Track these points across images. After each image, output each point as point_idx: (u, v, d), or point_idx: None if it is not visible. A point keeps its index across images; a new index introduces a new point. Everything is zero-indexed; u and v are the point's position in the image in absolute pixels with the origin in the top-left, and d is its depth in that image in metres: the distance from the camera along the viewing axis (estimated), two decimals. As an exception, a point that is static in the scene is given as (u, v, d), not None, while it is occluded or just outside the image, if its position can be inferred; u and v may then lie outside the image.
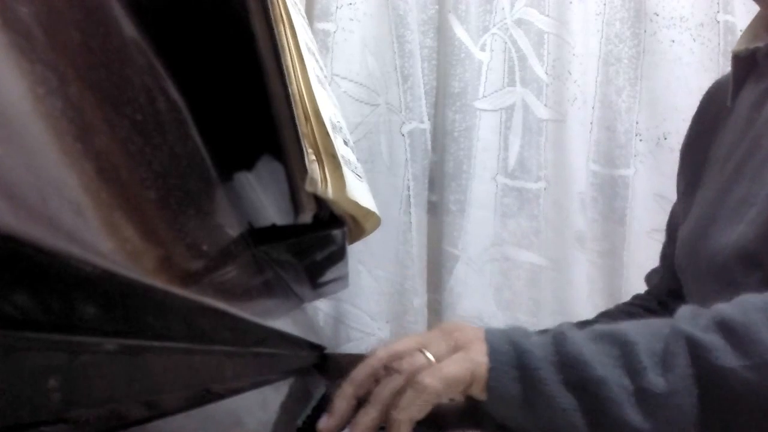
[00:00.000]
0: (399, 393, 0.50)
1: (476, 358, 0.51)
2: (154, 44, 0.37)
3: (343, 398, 0.52)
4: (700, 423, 0.48)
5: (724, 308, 0.51)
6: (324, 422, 0.52)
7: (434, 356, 0.52)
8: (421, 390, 0.49)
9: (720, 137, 0.78)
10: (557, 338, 0.52)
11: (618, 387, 0.49)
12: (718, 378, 0.48)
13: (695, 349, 0.48)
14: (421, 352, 0.52)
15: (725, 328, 0.49)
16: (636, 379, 0.49)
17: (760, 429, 0.48)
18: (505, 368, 0.51)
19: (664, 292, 0.92)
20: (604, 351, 0.50)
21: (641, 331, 0.51)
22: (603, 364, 0.50)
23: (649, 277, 0.99)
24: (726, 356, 0.47)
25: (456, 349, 0.53)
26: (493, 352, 0.52)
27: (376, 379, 0.53)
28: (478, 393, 0.52)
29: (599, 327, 0.53)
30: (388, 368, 0.53)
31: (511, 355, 0.51)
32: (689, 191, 0.82)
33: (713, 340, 0.48)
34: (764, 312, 0.48)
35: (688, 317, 0.51)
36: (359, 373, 0.53)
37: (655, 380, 0.48)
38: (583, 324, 0.89)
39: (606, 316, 0.94)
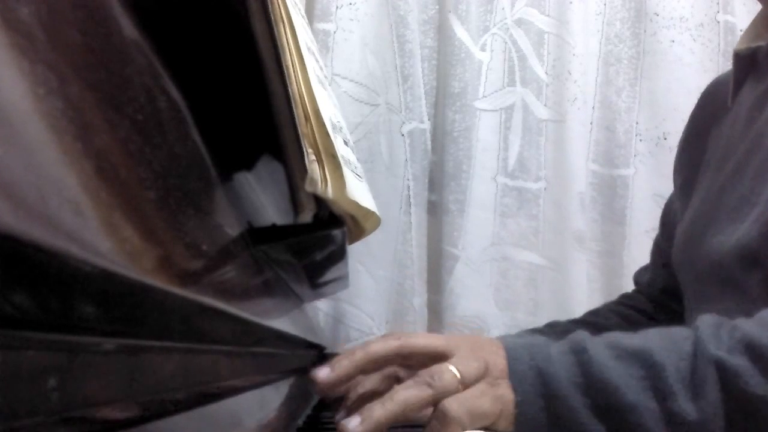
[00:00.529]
0: (421, 405, 0.48)
1: (505, 395, 0.50)
2: (153, 44, 0.37)
3: (351, 362, 0.50)
4: None
5: (750, 328, 0.49)
6: (322, 374, 0.50)
7: (462, 376, 0.50)
8: (446, 421, 0.47)
9: (718, 135, 0.78)
10: (581, 357, 0.50)
11: (648, 412, 0.47)
12: (747, 404, 0.47)
13: (724, 374, 0.47)
14: (449, 368, 0.50)
15: (752, 350, 0.47)
16: (666, 405, 0.48)
17: None
18: (531, 398, 0.49)
19: (657, 291, 0.92)
20: (630, 373, 0.49)
21: (666, 347, 0.49)
22: (631, 388, 0.48)
23: (639, 276, 0.99)
24: (755, 382, 0.46)
25: (484, 374, 0.50)
26: (518, 383, 0.50)
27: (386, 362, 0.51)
28: (505, 426, 0.50)
29: (620, 340, 0.51)
30: (414, 367, 0.51)
31: (536, 384, 0.50)
32: (686, 189, 0.82)
33: (741, 364, 0.47)
34: None
35: (710, 334, 0.49)
36: (377, 348, 0.51)
37: (686, 406, 0.47)
38: (576, 323, 0.89)
39: (594, 315, 0.93)
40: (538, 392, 0.49)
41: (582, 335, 0.52)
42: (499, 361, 0.51)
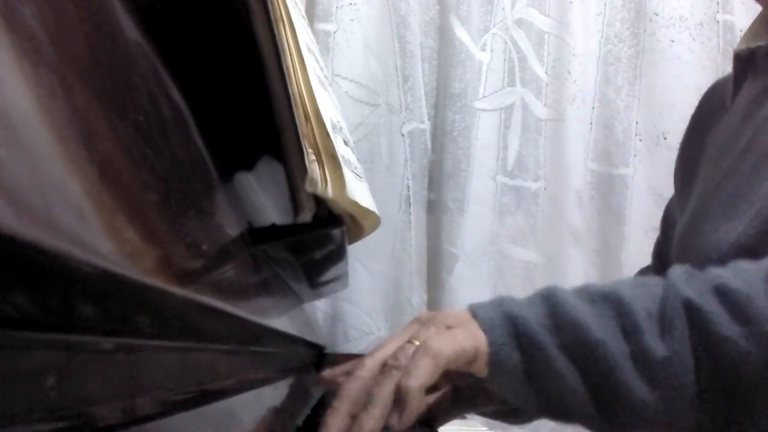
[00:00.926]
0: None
1: (476, 333, 0.50)
2: (155, 45, 0.37)
3: (336, 416, 0.48)
4: (699, 389, 0.48)
5: (723, 274, 0.50)
6: None
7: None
8: (433, 355, 0.47)
9: (716, 134, 0.78)
10: (549, 300, 0.50)
11: (617, 350, 0.48)
12: (716, 346, 0.47)
13: (693, 314, 0.48)
14: (411, 343, 0.49)
15: (725, 294, 0.48)
16: (633, 342, 0.48)
17: (761, 398, 0.47)
18: (503, 338, 0.49)
19: None
20: (599, 312, 0.49)
21: (636, 290, 0.50)
22: (600, 326, 0.48)
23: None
24: (725, 324, 0.47)
25: (449, 328, 0.50)
26: (487, 326, 0.50)
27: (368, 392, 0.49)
28: (481, 369, 0.50)
29: (589, 286, 0.52)
30: (384, 368, 0.49)
31: (505, 325, 0.50)
32: (685, 188, 0.82)
33: (712, 306, 0.47)
34: (765, 282, 0.48)
35: (683, 277, 0.50)
36: (350, 388, 0.49)
37: (653, 343, 0.48)
38: None
39: None
40: (509, 332, 0.49)
41: (551, 285, 0.53)
42: (461, 314, 0.52)
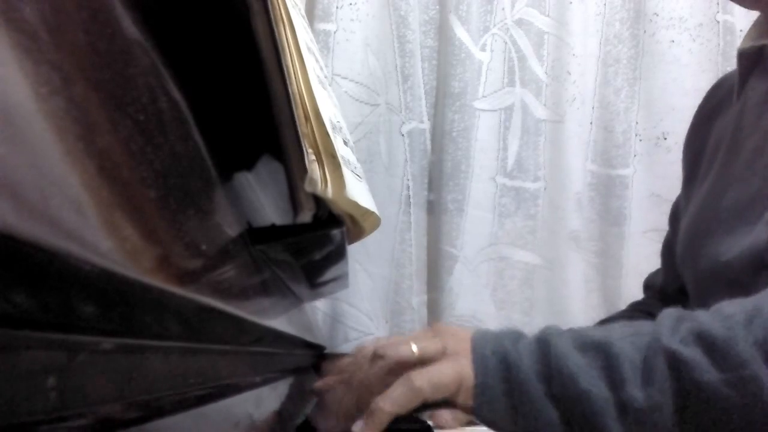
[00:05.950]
0: (380, 380, 0.52)
1: (464, 368, 0.52)
2: (155, 44, 0.37)
3: (323, 383, 0.55)
4: None
5: (705, 319, 0.51)
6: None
7: (420, 350, 0.53)
8: (411, 390, 0.51)
9: (720, 128, 0.78)
10: (543, 347, 0.52)
11: (600, 400, 0.50)
12: (697, 392, 0.48)
13: (674, 363, 0.49)
14: (407, 343, 0.53)
15: (706, 341, 0.49)
16: (617, 392, 0.49)
17: None
18: (490, 382, 0.52)
19: (674, 292, 0.90)
20: (588, 362, 0.51)
21: (626, 340, 0.52)
22: (586, 377, 0.50)
23: (651, 280, 0.97)
24: (705, 371, 0.48)
25: (444, 353, 0.54)
26: (479, 366, 0.53)
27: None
28: (465, 400, 0.53)
29: (584, 332, 0.54)
30: (373, 356, 0.54)
31: (497, 368, 0.52)
32: (689, 181, 0.82)
33: (693, 354, 0.48)
34: (746, 327, 0.48)
35: (668, 326, 0.51)
36: (344, 364, 0.56)
37: (635, 393, 0.49)
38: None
39: (606, 323, 0.92)
40: (499, 376, 0.52)
41: (552, 328, 0.55)
42: (462, 344, 0.55)
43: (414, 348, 0.53)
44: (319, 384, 0.60)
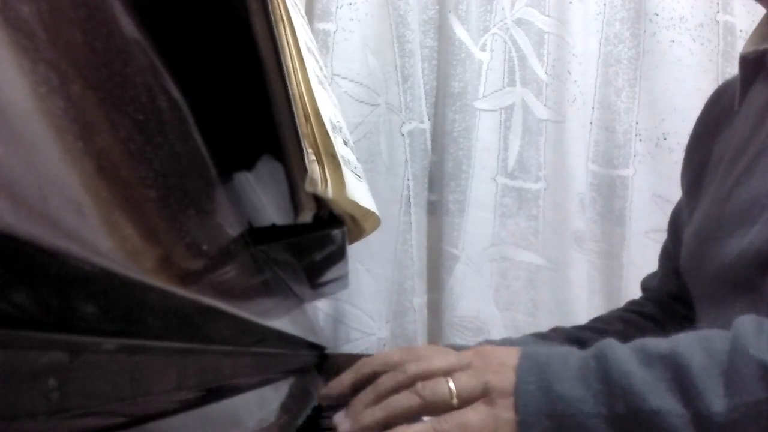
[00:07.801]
0: (410, 411, 0.50)
1: (501, 414, 0.49)
2: (154, 44, 0.37)
3: (338, 383, 0.53)
4: None
5: None
6: (344, 427, 0.51)
7: (458, 391, 0.50)
8: None
9: (725, 138, 0.78)
10: (601, 363, 0.48)
11: (673, 417, 0.45)
12: None
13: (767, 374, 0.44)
14: (446, 382, 0.50)
15: None
16: (693, 407, 0.45)
17: None
18: (534, 419, 0.48)
19: (667, 296, 0.91)
20: (655, 376, 0.46)
21: (696, 347, 0.47)
22: (655, 393, 0.45)
23: (647, 282, 0.98)
24: None
25: (484, 392, 0.50)
26: (523, 404, 0.48)
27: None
28: None
29: (646, 344, 0.49)
30: (410, 379, 0.51)
31: (542, 404, 0.48)
32: (693, 192, 0.81)
33: None
34: None
35: (752, 332, 0.46)
36: (373, 363, 0.54)
37: (715, 407, 0.44)
38: (581, 329, 0.89)
39: (599, 321, 0.93)
40: (544, 412, 0.48)
41: (607, 342, 0.50)
42: (505, 381, 0.50)
43: (452, 387, 0.50)
44: (333, 388, 0.57)
